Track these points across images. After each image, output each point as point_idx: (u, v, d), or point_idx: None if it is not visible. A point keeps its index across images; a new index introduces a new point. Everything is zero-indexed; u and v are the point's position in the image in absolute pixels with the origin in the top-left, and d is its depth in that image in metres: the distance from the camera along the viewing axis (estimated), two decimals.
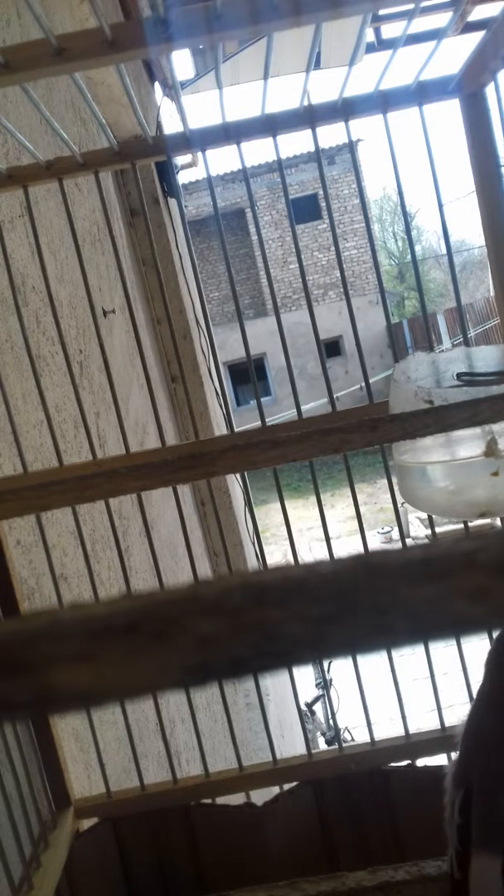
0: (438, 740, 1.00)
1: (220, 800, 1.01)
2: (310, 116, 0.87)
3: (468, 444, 0.84)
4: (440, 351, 0.93)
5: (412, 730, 1.02)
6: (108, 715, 1.19)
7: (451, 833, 0.52)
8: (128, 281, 2.29)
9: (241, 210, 15.04)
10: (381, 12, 2.48)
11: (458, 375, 0.87)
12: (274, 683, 3.16)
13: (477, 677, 0.66)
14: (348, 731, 4.47)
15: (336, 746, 1.03)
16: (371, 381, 1.00)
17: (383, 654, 0.28)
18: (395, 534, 8.94)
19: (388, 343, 13.74)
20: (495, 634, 0.64)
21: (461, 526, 1.03)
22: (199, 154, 0.95)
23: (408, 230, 1.18)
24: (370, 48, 2.93)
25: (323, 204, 15.14)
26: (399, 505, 1.03)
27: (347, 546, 7.79)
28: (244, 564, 3.20)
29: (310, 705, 5.00)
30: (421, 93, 0.87)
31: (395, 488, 0.95)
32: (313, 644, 0.16)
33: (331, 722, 4.92)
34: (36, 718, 0.91)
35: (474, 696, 0.57)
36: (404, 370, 0.89)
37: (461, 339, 0.98)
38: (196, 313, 3.17)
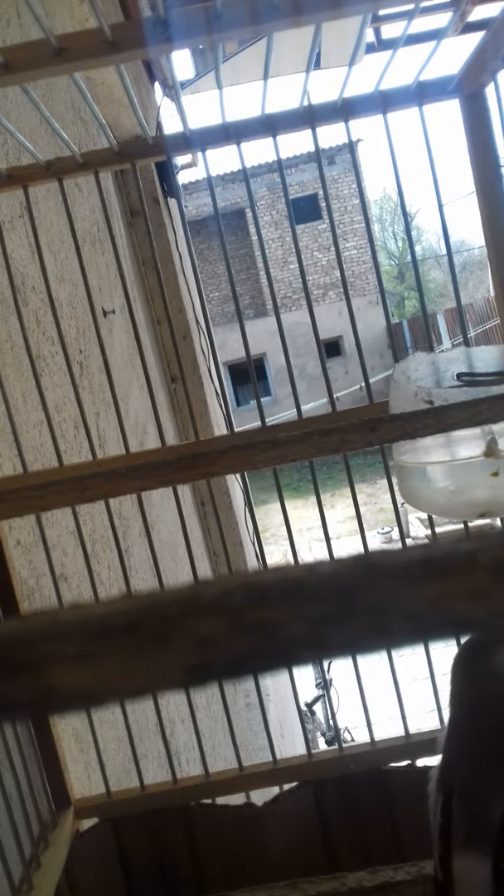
0: (438, 740, 1.00)
1: (220, 800, 1.01)
2: (310, 116, 0.87)
3: (468, 444, 0.84)
4: (440, 351, 0.93)
5: (412, 730, 1.02)
6: (108, 715, 1.19)
7: (434, 836, 0.52)
8: (128, 281, 2.29)
9: (241, 210, 15.04)
10: (381, 12, 2.48)
11: (458, 375, 0.87)
12: (274, 683, 3.16)
13: None
14: (348, 731, 4.48)
15: (336, 746, 1.03)
16: (371, 381, 1.00)
17: (383, 655, 0.28)
18: (395, 534, 8.94)
19: (388, 343, 13.74)
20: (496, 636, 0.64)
21: (461, 526, 1.03)
22: (199, 154, 0.95)
23: (408, 230, 1.18)
24: (370, 48, 2.93)
25: (323, 204, 15.14)
26: (399, 505, 1.03)
27: (347, 546, 7.78)
28: (244, 565, 3.20)
29: (310, 705, 5.00)
30: (421, 93, 0.87)
31: (395, 488, 0.95)
32: (313, 644, 0.16)
33: (331, 722, 4.92)
34: (36, 718, 0.91)
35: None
36: (404, 370, 0.89)
37: (461, 339, 0.98)
38: (196, 313, 3.17)
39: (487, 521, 0.96)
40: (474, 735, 0.53)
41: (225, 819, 0.98)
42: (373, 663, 1.13)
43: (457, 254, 21.77)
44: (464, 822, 0.50)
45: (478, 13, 2.56)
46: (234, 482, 3.19)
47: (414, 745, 1.00)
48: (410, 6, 0.67)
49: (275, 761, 1.03)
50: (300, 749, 1.05)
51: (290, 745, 3.15)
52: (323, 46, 2.51)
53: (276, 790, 1.01)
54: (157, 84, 3.08)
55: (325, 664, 4.68)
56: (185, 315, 3.00)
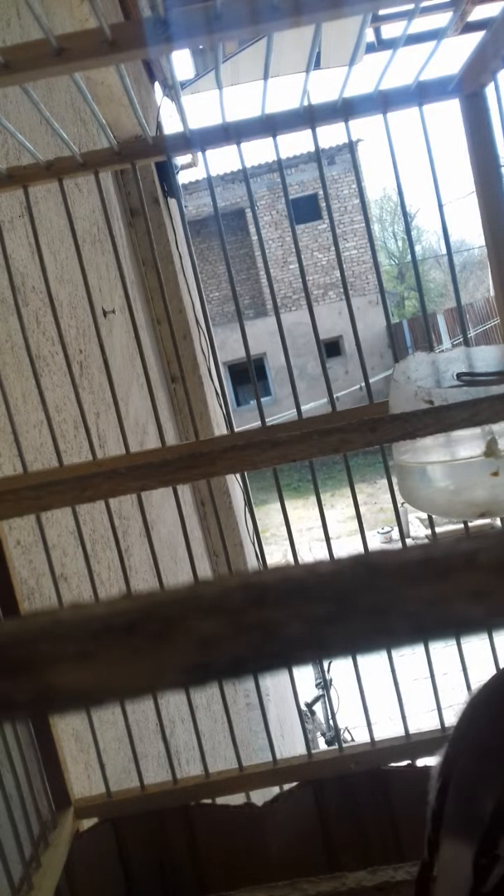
0: (438, 740, 1.00)
1: (220, 800, 1.01)
2: (310, 116, 0.87)
3: (468, 444, 0.84)
4: (440, 351, 0.93)
5: (412, 730, 1.02)
6: (108, 715, 1.19)
7: (427, 818, 0.53)
8: (128, 281, 2.29)
9: (241, 210, 15.04)
10: (381, 12, 2.48)
11: (458, 375, 0.87)
12: (274, 683, 3.16)
13: (477, 677, 0.66)
14: (348, 731, 4.48)
15: (336, 746, 1.03)
16: (371, 381, 1.00)
17: (383, 654, 0.28)
18: (395, 534, 8.94)
19: (388, 343, 13.74)
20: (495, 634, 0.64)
21: (461, 526, 1.03)
22: (199, 154, 0.95)
23: (408, 230, 1.18)
24: (370, 48, 2.93)
25: (323, 204, 15.14)
26: (399, 505, 1.03)
27: (347, 546, 7.78)
28: (244, 565, 3.20)
29: (310, 705, 5.00)
30: (421, 93, 0.87)
31: (395, 488, 0.95)
32: (313, 644, 0.16)
33: (331, 722, 4.92)
34: (36, 718, 0.91)
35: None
36: (404, 370, 0.89)
37: (461, 339, 0.98)
38: (196, 313, 3.17)
39: (487, 521, 0.96)
40: (484, 731, 0.53)
41: (225, 819, 0.98)
42: (373, 663, 1.13)
43: (457, 254, 21.77)
44: (455, 811, 0.50)
45: (478, 13, 2.56)
46: (234, 482, 3.19)
47: (414, 745, 1.00)
48: (410, 6, 0.67)
49: (275, 761, 1.03)
50: (300, 749, 1.05)
51: (290, 745, 3.15)
52: (323, 46, 2.51)
53: (276, 790, 1.01)
54: (157, 84, 3.08)
55: (325, 664, 4.68)
56: (185, 315, 3.00)
